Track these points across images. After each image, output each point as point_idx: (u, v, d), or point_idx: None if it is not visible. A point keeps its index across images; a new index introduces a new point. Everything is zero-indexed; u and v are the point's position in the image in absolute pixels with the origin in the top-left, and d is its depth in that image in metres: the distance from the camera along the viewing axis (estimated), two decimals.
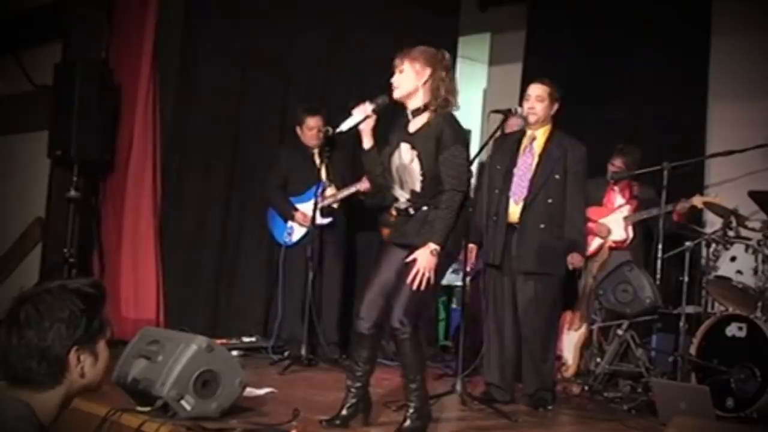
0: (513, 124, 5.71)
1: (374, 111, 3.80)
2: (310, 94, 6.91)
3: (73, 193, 6.00)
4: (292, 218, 6.11)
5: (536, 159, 4.89)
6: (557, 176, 4.86)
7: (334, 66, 7.02)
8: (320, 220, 6.05)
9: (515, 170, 4.90)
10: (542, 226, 4.80)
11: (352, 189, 6.07)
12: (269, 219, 6.29)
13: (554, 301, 4.97)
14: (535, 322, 4.85)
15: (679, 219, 5.74)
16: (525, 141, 4.96)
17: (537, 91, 4.93)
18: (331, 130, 5.94)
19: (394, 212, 3.93)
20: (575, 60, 7.16)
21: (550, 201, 4.82)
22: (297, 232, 6.10)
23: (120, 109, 6.29)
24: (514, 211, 4.85)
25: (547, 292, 4.86)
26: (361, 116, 3.79)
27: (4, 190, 7.14)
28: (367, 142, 3.88)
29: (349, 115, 3.83)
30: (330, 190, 6.14)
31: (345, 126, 3.82)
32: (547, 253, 4.81)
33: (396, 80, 3.78)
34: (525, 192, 4.84)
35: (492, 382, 4.94)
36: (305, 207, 6.04)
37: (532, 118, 4.91)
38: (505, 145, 5.02)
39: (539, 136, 4.94)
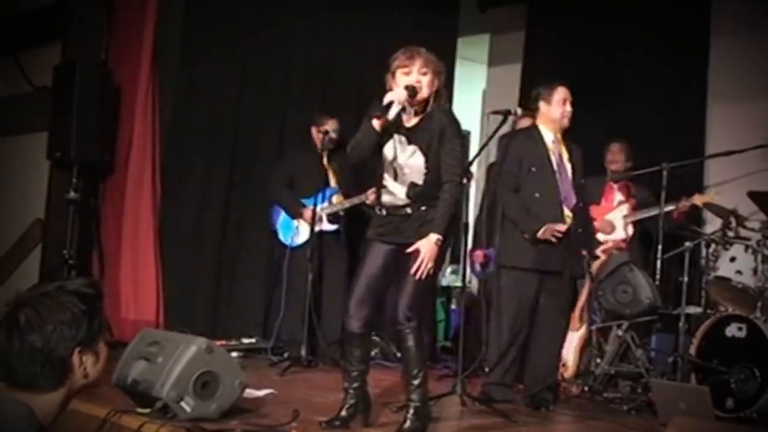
0: (522, 124, 5.73)
1: (409, 98, 3.74)
2: (310, 94, 6.92)
3: (72, 194, 6.01)
4: (300, 215, 6.10)
5: (568, 164, 4.88)
6: (582, 180, 4.95)
7: (333, 66, 7.02)
8: (326, 227, 6.08)
9: (557, 175, 4.82)
10: (580, 230, 4.84)
11: (358, 200, 6.06)
12: (275, 220, 6.28)
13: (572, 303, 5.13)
14: (562, 324, 4.94)
15: (678, 217, 5.75)
16: (551, 145, 4.88)
17: (569, 95, 4.90)
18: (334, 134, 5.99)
19: (384, 212, 3.88)
20: (575, 60, 7.15)
21: (581, 205, 4.88)
22: (303, 233, 6.09)
23: (119, 110, 6.30)
24: (568, 217, 4.81)
25: (572, 295, 5.01)
26: (400, 106, 3.73)
27: (4, 191, 7.14)
28: (380, 125, 3.77)
29: (381, 102, 3.73)
30: (336, 198, 6.15)
31: (392, 113, 3.71)
32: (579, 257, 4.90)
33: (421, 82, 3.73)
34: (574, 198, 4.83)
35: (503, 382, 4.92)
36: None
37: (568, 123, 4.89)
38: (528, 146, 4.89)
39: (560, 139, 4.92)
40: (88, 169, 6.18)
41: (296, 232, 6.10)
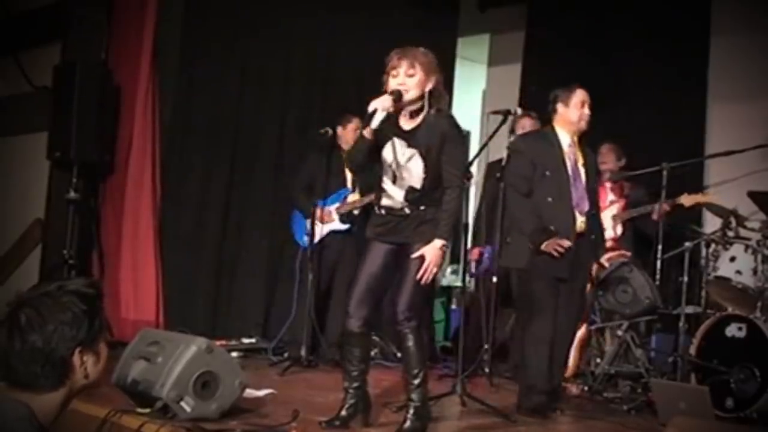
0: (525, 125, 5.69)
1: (394, 103, 3.74)
2: (310, 94, 6.92)
3: (72, 194, 6.01)
4: (309, 217, 6.10)
5: (583, 168, 4.78)
6: (596, 186, 4.90)
7: (333, 66, 7.02)
8: (338, 226, 6.08)
9: (571, 180, 4.70)
10: (593, 237, 4.77)
11: (369, 199, 6.04)
12: (292, 220, 6.30)
13: None
14: (571, 331, 4.91)
15: (660, 219, 5.72)
16: (567, 149, 4.76)
17: (588, 98, 4.82)
18: (331, 131, 5.99)
19: (383, 211, 3.87)
20: (575, 60, 7.15)
21: (593, 212, 4.82)
22: (316, 233, 6.07)
23: (119, 110, 6.30)
24: (582, 222, 4.71)
25: (582, 302, 4.95)
26: (385, 112, 3.73)
27: (4, 191, 7.14)
28: (370, 133, 3.80)
29: (366, 109, 3.74)
30: (352, 197, 6.14)
31: (375, 123, 3.72)
32: (591, 264, 4.86)
33: (406, 83, 3.72)
34: (588, 204, 4.75)
35: (544, 390, 4.70)
36: (327, 210, 6.10)
37: (586, 126, 4.81)
38: (543, 148, 4.76)
39: (576, 143, 4.82)
40: (88, 169, 6.17)
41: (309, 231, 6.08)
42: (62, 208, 6.10)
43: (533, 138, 4.96)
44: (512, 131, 5.79)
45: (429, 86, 3.75)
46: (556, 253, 4.54)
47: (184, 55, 6.42)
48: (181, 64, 6.41)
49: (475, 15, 8.17)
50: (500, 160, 5.64)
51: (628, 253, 5.80)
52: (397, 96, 3.70)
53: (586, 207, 4.74)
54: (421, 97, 3.76)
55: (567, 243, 4.56)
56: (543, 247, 4.56)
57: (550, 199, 4.66)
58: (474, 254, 6.07)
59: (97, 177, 6.35)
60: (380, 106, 3.70)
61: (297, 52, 6.85)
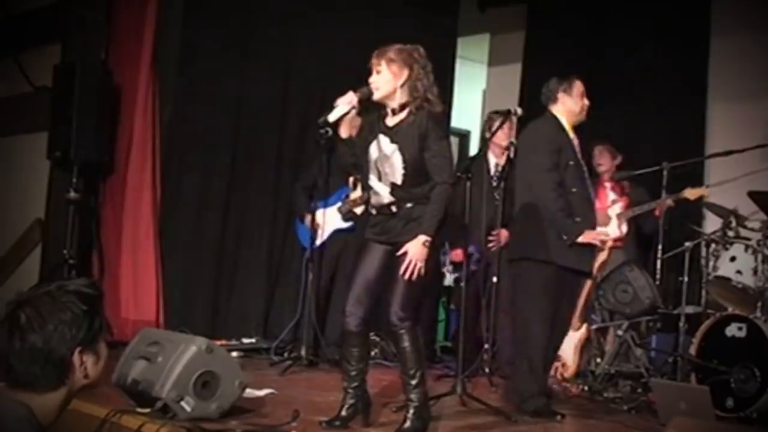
0: (502, 128, 5.62)
1: (359, 101, 3.80)
2: (310, 95, 6.92)
3: (72, 194, 6.00)
4: (302, 220, 6.10)
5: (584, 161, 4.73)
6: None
7: (333, 66, 7.02)
8: (340, 225, 6.07)
9: (585, 171, 4.63)
10: None
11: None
12: (296, 222, 6.31)
13: None
14: (569, 323, 4.88)
15: (660, 215, 5.72)
16: (575, 141, 4.66)
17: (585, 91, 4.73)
18: (331, 131, 5.97)
19: (374, 210, 3.90)
20: (575, 60, 7.14)
21: None
22: (320, 235, 6.05)
23: (119, 110, 6.29)
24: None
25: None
26: (347, 107, 3.80)
27: (4, 191, 7.14)
28: (346, 132, 3.89)
29: (332, 106, 3.82)
30: (354, 194, 6.13)
31: (332, 116, 3.81)
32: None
33: (375, 81, 3.79)
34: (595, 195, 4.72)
35: (541, 392, 4.59)
36: (330, 210, 6.08)
37: (585, 117, 4.74)
38: (562, 137, 4.61)
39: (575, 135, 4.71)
40: (88, 169, 6.17)
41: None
42: (62, 208, 6.10)
43: (551, 125, 4.68)
44: (489, 130, 5.71)
45: (401, 80, 3.77)
46: (600, 244, 4.46)
47: (184, 55, 6.42)
48: (181, 64, 6.41)
49: (475, 15, 8.18)
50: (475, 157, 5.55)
51: (618, 243, 5.84)
52: (366, 93, 3.78)
53: (596, 198, 4.73)
54: (394, 92, 3.78)
55: (607, 234, 4.49)
56: (582, 238, 4.42)
57: (574, 190, 4.54)
58: (457, 255, 6.00)
59: (97, 177, 6.35)
60: (342, 101, 3.79)
61: (297, 51, 6.85)
